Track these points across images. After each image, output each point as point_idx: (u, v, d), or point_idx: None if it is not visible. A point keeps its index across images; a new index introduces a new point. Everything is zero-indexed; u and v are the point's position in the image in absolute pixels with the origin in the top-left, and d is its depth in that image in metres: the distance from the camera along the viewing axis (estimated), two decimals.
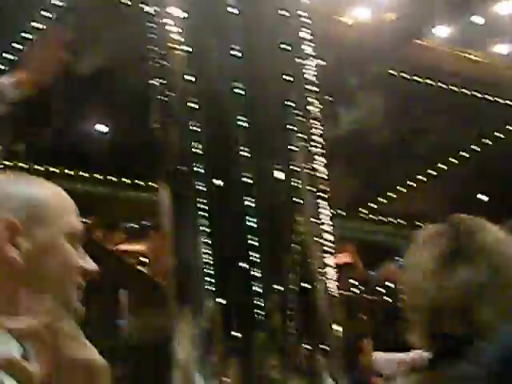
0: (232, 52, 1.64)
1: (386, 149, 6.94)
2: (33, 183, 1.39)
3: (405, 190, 7.64)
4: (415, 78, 6.17)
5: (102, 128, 9.81)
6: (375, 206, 7.91)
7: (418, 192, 7.57)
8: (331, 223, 1.70)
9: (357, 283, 4.33)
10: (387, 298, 3.78)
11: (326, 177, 1.72)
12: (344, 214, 7.80)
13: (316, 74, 1.80)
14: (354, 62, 5.93)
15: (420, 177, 7.46)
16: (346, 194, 7.68)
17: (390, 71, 6.02)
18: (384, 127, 6.84)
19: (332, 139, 6.14)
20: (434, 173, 7.37)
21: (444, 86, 6.31)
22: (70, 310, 1.08)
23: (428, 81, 6.22)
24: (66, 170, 10.59)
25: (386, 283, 3.88)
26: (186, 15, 1.72)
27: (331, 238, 1.69)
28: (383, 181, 7.48)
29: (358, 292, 4.24)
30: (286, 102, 1.65)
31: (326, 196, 1.69)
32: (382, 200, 7.83)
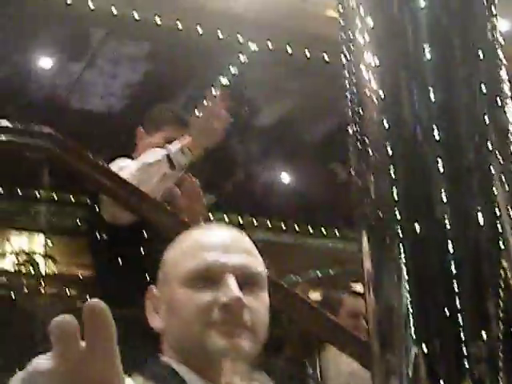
0: (428, 97, 1.63)
1: None
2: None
3: None
4: None
5: (286, 177, 9.94)
6: None
7: None
8: None
9: None
10: None
11: None
12: None
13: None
14: None
15: None
16: None
17: None
18: None
19: None
20: None
21: None
22: (206, 352, 1.06)
23: None
24: (252, 219, 10.79)
25: None
26: (379, 61, 1.73)
27: None
28: None
29: None
30: (486, 145, 1.61)
31: None
32: None
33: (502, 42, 1.76)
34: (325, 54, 7.99)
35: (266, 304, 1.25)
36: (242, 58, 8.31)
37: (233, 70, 8.58)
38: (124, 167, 3.64)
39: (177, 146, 3.51)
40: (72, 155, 3.59)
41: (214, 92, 3.32)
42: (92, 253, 4.18)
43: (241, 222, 10.46)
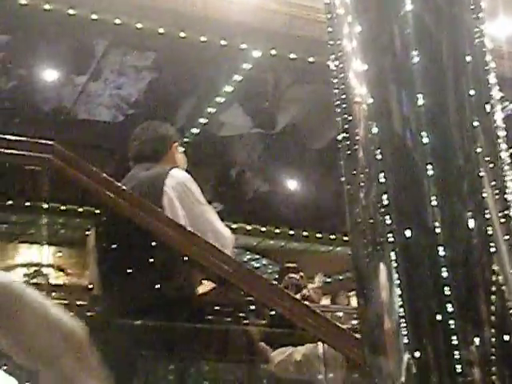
0: (416, 102, 1.63)
1: None
2: None
3: None
4: None
5: (294, 184, 9.94)
6: None
7: None
8: None
9: None
10: None
11: None
12: None
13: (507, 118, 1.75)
14: None
15: None
16: None
17: None
18: None
19: None
20: None
21: None
22: None
23: None
24: (260, 227, 10.77)
25: None
26: (367, 67, 1.73)
27: None
28: None
29: None
30: (475, 150, 1.61)
31: None
32: None
33: (491, 47, 1.76)
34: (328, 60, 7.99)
35: None
36: (246, 65, 8.31)
37: (237, 77, 8.58)
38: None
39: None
40: (73, 166, 3.60)
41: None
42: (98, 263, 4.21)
43: (248, 228, 10.43)
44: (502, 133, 1.73)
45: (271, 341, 4.43)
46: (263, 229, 10.89)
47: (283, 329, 4.11)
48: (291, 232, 11.06)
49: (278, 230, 11.01)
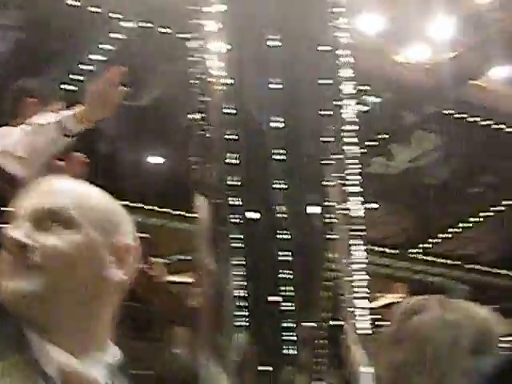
0: (271, 86, 1.65)
1: (440, 189, 6.88)
2: None
3: (459, 231, 7.54)
4: (472, 118, 6.12)
5: (155, 160, 9.87)
6: (428, 246, 7.82)
7: (471, 233, 7.47)
8: (365, 262, 1.69)
9: None
10: None
11: (362, 216, 1.70)
12: (396, 253, 7.74)
13: (355, 113, 1.79)
14: (411, 101, 5.90)
15: (473, 218, 7.37)
16: (399, 234, 7.62)
17: (447, 111, 5.98)
18: (439, 167, 6.79)
19: (386, 178, 6.07)
20: (490, 214, 7.27)
21: (501, 126, 6.24)
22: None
23: (485, 122, 6.17)
24: (120, 201, 10.68)
25: None
26: (227, 49, 1.74)
27: (365, 277, 1.68)
28: (437, 221, 7.41)
29: None
30: (322, 139, 1.65)
31: (361, 235, 1.68)
32: (434, 240, 7.74)
33: (349, 41, 1.80)
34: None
35: (70, 242, 1.14)
36: (116, 34, 8.18)
37: (108, 46, 8.42)
38: (9, 132, 3.55)
39: (70, 113, 3.39)
40: None
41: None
42: None
43: None
44: (351, 126, 1.77)
45: None
46: (122, 203, 10.78)
47: None
48: (149, 207, 10.98)
49: (134, 205, 10.90)
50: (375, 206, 6.78)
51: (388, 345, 1.55)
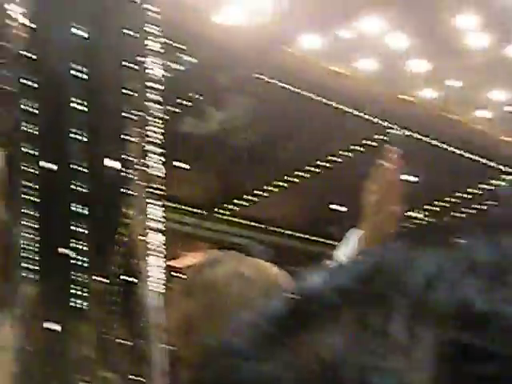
0: (74, 33, 1.60)
1: (249, 152, 7.00)
2: None
3: (265, 194, 7.73)
4: (282, 84, 6.24)
5: None
6: (234, 208, 7.96)
7: (275, 197, 7.67)
8: (163, 223, 1.69)
9: None
10: None
11: (161, 175, 1.69)
12: (202, 213, 7.83)
13: (163, 71, 1.77)
14: (223, 63, 5.95)
15: (279, 182, 7.57)
16: (205, 194, 7.71)
17: (257, 75, 6.07)
18: (249, 130, 6.90)
19: (196, 138, 6.11)
20: (294, 180, 7.48)
21: (310, 95, 6.41)
22: None
23: (294, 88, 6.31)
24: None
25: None
26: None
27: (161, 238, 1.68)
28: (243, 183, 7.55)
29: None
30: (124, 92, 1.62)
31: (159, 194, 1.67)
32: (240, 202, 7.89)
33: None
34: None
35: None
36: None
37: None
38: None
39: None
40: None
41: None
42: None
43: None
44: (156, 84, 1.74)
45: None
46: None
47: None
48: None
49: None
50: (184, 165, 6.83)
51: (180, 296, 1.58)
